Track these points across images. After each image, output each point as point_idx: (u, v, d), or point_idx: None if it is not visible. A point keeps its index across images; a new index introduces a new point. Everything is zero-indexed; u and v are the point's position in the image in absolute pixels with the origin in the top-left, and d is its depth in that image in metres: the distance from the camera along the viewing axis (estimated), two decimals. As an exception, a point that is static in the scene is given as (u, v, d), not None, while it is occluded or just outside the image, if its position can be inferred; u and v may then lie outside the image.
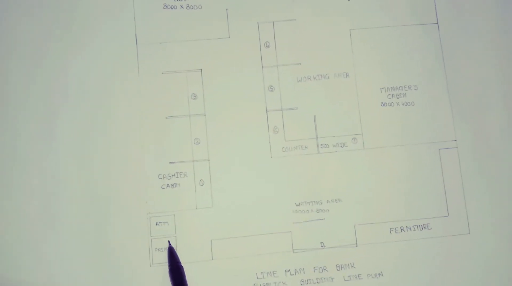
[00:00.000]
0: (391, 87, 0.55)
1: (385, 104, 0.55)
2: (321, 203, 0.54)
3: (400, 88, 0.55)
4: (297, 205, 0.53)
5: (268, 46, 0.56)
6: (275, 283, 0.52)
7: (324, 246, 0.53)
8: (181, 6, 0.56)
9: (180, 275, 0.51)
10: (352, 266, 0.53)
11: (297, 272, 0.53)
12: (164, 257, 0.52)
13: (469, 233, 0.53)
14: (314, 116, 0.55)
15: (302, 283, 0.52)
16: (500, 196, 0.54)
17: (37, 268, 0.52)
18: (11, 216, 0.53)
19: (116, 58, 0.55)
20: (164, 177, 0.53)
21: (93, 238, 0.53)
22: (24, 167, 0.53)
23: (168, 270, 0.51)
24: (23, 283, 0.52)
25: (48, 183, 0.53)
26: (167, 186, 0.53)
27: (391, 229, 0.53)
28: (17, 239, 0.52)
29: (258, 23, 0.56)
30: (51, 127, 0.54)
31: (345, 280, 0.52)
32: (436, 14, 0.57)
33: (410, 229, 0.53)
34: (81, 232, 0.53)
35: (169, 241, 0.52)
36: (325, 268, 0.53)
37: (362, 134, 0.55)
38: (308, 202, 0.54)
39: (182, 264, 0.52)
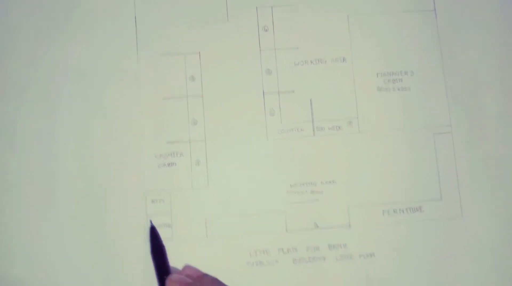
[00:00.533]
0: (387, 72, 0.56)
1: (381, 89, 0.56)
2: (316, 184, 0.54)
3: (397, 73, 0.56)
4: (291, 186, 0.54)
5: (266, 30, 0.56)
6: (268, 261, 0.53)
7: (318, 226, 0.53)
8: (181, -11, 0.57)
9: (162, 255, 0.51)
10: (344, 247, 0.53)
11: (290, 251, 0.53)
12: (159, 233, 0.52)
13: (462, 216, 0.54)
14: (311, 99, 0.55)
15: (295, 262, 0.53)
16: (493, 180, 0.54)
17: (32, 245, 0.53)
18: (8, 194, 0.53)
19: (115, 39, 0.56)
20: (161, 156, 0.54)
21: (89, 214, 0.53)
22: (22, 145, 0.54)
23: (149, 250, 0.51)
24: (18, 259, 0.52)
25: (46, 161, 0.54)
26: (163, 165, 0.54)
27: (384, 211, 0.53)
28: (13, 216, 0.53)
29: (256, 7, 0.57)
30: (50, 106, 0.55)
31: (337, 260, 0.53)
32: (434, 1, 0.57)
33: (403, 211, 0.53)
34: (77, 209, 0.53)
35: (150, 220, 0.52)
36: (317, 247, 0.53)
37: (357, 118, 0.55)
38: (303, 183, 0.54)
39: (177, 242, 0.52)
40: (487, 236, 0.53)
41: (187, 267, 0.50)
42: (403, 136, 0.55)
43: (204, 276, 0.48)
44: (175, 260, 0.52)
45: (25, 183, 0.53)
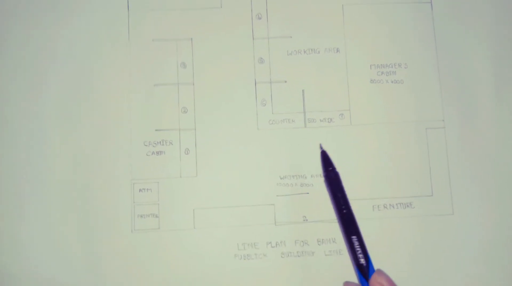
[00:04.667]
0: (381, 64, 0.52)
1: (374, 81, 0.52)
2: (306, 177, 0.50)
3: (390, 66, 0.52)
4: (281, 178, 0.50)
5: (260, 18, 0.52)
6: (256, 254, 0.49)
7: (307, 220, 0.49)
8: (175, -26, 0.52)
9: (338, 182, 0.47)
10: (333, 241, 0.49)
11: (278, 244, 0.49)
12: (145, 223, 0.49)
13: (453, 214, 0.50)
14: (303, 90, 0.51)
15: (283, 256, 0.49)
16: (485, 178, 0.51)
17: (18, 230, 0.49)
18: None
19: (107, 23, 0.52)
20: (149, 144, 0.50)
21: (76, 201, 0.49)
22: (10, 127, 0.50)
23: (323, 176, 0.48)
24: (3, 242, 0.48)
25: (32, 146, 0.50)
26: (152, 153, 0.50)
27: (374, 206, 0.50)
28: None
29: (250, -6, 0.52)
30: (39, 91, 0.51)
31: (325, 255, 0.49)
32: (430, -7, 0.53)
33: (393, 207, 0.50)
34: (64, 195, 0.49)
35: (320, 145, 0.49)
36: (306, 242, 0.49)
37: (349, 110, 0.51)
38: (293, 176, 0.50)
39: (164, 232, 0.49)
40: (477, 234, 0.50)
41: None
42: (395, 130, 0.51)
43: None
44: (161, 251, 0.48)
45: (10, 169, 0.49)
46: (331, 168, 0.47)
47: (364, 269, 0.43)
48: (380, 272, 0.42)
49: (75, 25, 0.52)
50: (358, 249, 0.44)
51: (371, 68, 0.52)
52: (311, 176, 0.50)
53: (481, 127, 0.51)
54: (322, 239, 0.49)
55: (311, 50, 0.52)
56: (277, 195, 0.50)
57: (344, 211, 0.45)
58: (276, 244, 0.49)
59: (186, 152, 0.50)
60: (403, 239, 0.50)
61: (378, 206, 0.50)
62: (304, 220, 0.49)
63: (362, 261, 0.43)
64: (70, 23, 0.52)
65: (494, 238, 0.50)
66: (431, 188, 0.50)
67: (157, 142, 0.50)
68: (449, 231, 0.50)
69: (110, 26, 0.52)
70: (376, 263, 0.47)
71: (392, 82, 0.52)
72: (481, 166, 0.51)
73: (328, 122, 0.51)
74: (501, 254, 0.49)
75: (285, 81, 0.51)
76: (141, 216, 0.49)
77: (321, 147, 0.48)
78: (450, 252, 0.49)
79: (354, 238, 0.44)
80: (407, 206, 0.50)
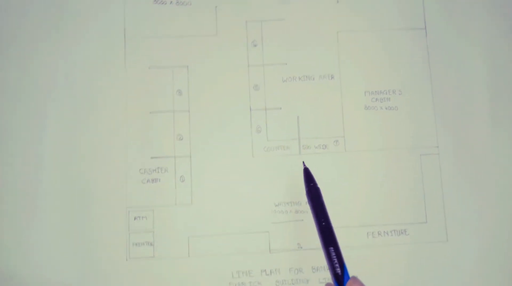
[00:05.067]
0: (375, 91, 0.52)
1: (369, 108, 0.52)
2: (300, 204, 0.50)
3: (385, 92, 0.52)
4: (276, 205, 0.50)
5: (255, 45, 0.52)
6: (250, 282, 0.49)
7: (301, 247, 0.49)
8: (171, 2, 0.53)
9: (318, 197, 0.46)
10: (327, 269, 0.49)
11: (273, 272, 0.49)
12: (141, 252, 0.49)
13: (447, 241, 0.50)
14: (298, 117, 0.51)
15: (277, 283, 0.49)
16: (480, 205, 0.50)
17: (16, 258, 0.49)
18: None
19: (104, 51, 0.52)
20: (145, 171, 0.50)
21: (71, 229, 0.49)
22: (8, 156, 0.50)
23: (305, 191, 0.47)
24: (1, 272, 0.48)
25: (28, 174, 0.50)
26: (147, 181, 0.50)
27: (369, 233, 0.50)
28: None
29: (246, 21, 0.53)
30: (37, 116, 0.51)
31: (320, 283, 0.49)
32: (424, 19, 0.53)
33: (388, 234, 0.50)
34: (60, 223, 0.49)
35: (303, 162, 0.48)
36: (301, 269, 0.49)
37: (344, 137, 0.51)
38: (287, 203, 0.50)
39: (159, 260, 0.49)
40: (472, 261, 0.50)
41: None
42: (390, 156, 0.51)
43: None
44: (156, 280, 0.48)
45: (7, 196, 0.50)
46: (312, 184, 0.47)
47: (340, 278, 0.43)
48: (355, 279, 0.42)
49: (72, 53, 0.52)
50: (335, 259, 0.44)
51: (365, 95, 0.52)
52: (306, 203, 0.49)
53: (476, 153, 0.51)
54: (317, 267, 0.49)
55: (306, 77, 0.52)
56: (272, 222, 0.50)
57: (323, 223, 0.45)
58: (270, 272, 0.49)
59: (181, 180, 0.50)
60: (398, 266, 0.49)
61: (372, 233, 0.50)
62: (298, 248, 0.49)
63: (338, 270, 0.43)
64: (67, 51, 0.52)
65: (488, 265, 0.49)
66: (425, 215, 0.50)
67: (153, 170, 0.50)
68: (443, 258, 0.49)
69: (107, 54, 0.52)
70: (370, 290, 0.47)
71: (386, 108, 0.52)
72: (475, 192, 0.50)
73: (323, 148, 0.51)
74: (496, 281, 0.49)
75: (280, 108, 0.51)
76: (136, 244, 0.49)
77: (304, 164, 0.47)
78: (445, 279, 0.49)
79: (331, 249, 0.44)
80: (402, 233, 0.50)
